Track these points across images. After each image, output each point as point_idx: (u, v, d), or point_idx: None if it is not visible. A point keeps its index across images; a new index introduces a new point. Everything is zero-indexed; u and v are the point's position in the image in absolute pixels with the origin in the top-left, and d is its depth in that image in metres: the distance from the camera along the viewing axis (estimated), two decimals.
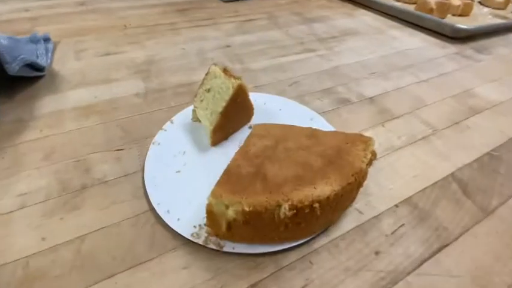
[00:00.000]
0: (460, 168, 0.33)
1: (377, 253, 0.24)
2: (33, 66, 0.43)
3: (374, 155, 0.26)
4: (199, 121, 0.35)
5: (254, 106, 0.36)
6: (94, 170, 0.30)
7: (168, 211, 0.25)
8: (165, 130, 0.35)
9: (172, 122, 0.36)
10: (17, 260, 0.23)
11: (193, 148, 0.33)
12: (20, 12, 0.69)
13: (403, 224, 0.27)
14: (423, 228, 0.27)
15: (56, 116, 0.38)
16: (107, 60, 0.51)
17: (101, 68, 0.49)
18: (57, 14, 0.69)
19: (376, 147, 0.35)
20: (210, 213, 0.21)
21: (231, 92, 0.30)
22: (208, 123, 0.32)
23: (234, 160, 0.24)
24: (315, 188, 0.21)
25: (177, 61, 0.52)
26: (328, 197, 0.21)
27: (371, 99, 0.44)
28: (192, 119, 0.36)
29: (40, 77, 0.45)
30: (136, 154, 0.32)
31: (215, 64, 0.33)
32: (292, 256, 0.24)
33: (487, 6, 0.89)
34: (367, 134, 0.37)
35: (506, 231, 0.27)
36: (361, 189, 0.30)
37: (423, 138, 0.37)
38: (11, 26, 0.62)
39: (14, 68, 0.38)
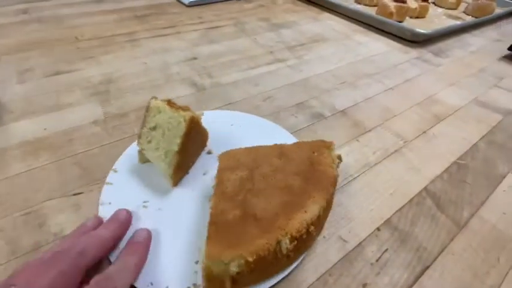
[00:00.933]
0: (432, 180, 0.34)
1: (364, 285, 0.24)
2: None
3: (340, 158, 0.28)
4: (149, 162, 0.30)
5: (209, 132, 0.33)
6: (48, 223, 0.26)
7: (151, 283, 0.22)
8: (112, 184, 0.29)
9: (116, 171, 0.31)
10: None
11: (154, 197, 0.28)
12: None
13: (386, 249, 0.27)
14: (405, 251, 0.27)
15: None
16: (56, 81, 0.45)
17: (50, 91, 0.43)
18: None
19: (353, 164, 0.35)
20: (210, 276, 0.19)
21: (183, 127, 0.27)
22: (164, 165, 0.28)
23: (214, 206, 0.22)
24: (305, 211, 0.21)
25: (139, 78, 0.48)
26: (318, 216, 0.21)
27: (343, 112, 0.44)
28: (139, 162, 0.31)
29: None
30: (98, 198, 0.29)
31: (155, 97, 0.29)
32: None
33: (440, 7, 0.95)
34: (343, 150, 0.37)
35: (480, 245, 0.28)
36: (343, 213, 0.29)
37: (396, 151, 0.38)
38: None
39: None
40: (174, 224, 0.26)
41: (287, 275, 0.23)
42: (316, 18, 0.79)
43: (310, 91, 0.48)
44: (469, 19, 0.85)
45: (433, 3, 0.97)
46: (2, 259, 0.24)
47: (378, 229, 0.29)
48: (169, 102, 0.29)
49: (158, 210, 0.27)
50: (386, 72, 0.56)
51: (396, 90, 0.51)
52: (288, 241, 0.20)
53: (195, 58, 0.55)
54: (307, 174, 0.25)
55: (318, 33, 0.70)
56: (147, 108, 0.29)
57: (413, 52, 0.65)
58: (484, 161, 0.38)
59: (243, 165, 0.26)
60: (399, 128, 0.42)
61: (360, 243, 0.27)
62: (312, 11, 0.83)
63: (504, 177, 0.35)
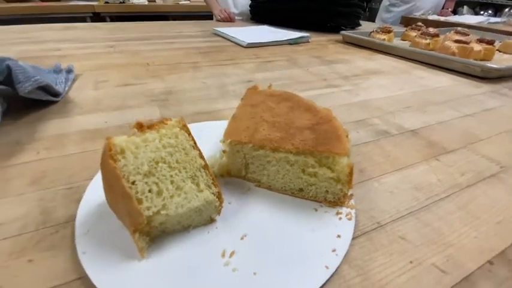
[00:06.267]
0: None
1: None
2: (49, 91, 0.41)
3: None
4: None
5: None
6: None
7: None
8: None
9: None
10: None
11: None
12: (52, 51, 0.73)
13: None
14: None
15: (58, 138, 0.34)
16: (125, 90, 0.49)
17: (117, 96, 0.47)
18: (86, 53, 0.72)
19: (436, 183, 0.28)
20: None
21: (184, 133, 0.23)
22: (207, 192, 0.21)
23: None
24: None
25: (197, 92, 0.50)
26: None
27: (413, 132, 0.38)
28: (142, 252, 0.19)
29: (53, 103, 0.43)
30: None
31: (108, 138, 0.19)
32: None
33: (507, 53, 0.89)
34: (421, 168, 0.31)
35: None
36: (434, 236, 0.22)
37: (492, 175, 0.30)
38: (39, 61, 0.64)
39: (25, 88, 0.36)
40: None
41: None
42: (369, 58, 0.78)
43: (371, 111, 0.44)
44: None
45: (498, 50, 0.92)
46: (32, 227, 0.22)
47: (491, 262, 0.20)
48: (138, 127, 0.21)
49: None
50: (460, 101, 0.50)
51: (477, 117, 0.44)
52: None
53: (250, 81, 0.57)
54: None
55: (373, 68, 0.68)
56: (107, 157, 0.18)
57: (486, 86, 0.58)
58: None
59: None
60: (490, 152, 0.34)
61: (466, 277, 0.19)
62: (363, 53, 0.84)
63: None
